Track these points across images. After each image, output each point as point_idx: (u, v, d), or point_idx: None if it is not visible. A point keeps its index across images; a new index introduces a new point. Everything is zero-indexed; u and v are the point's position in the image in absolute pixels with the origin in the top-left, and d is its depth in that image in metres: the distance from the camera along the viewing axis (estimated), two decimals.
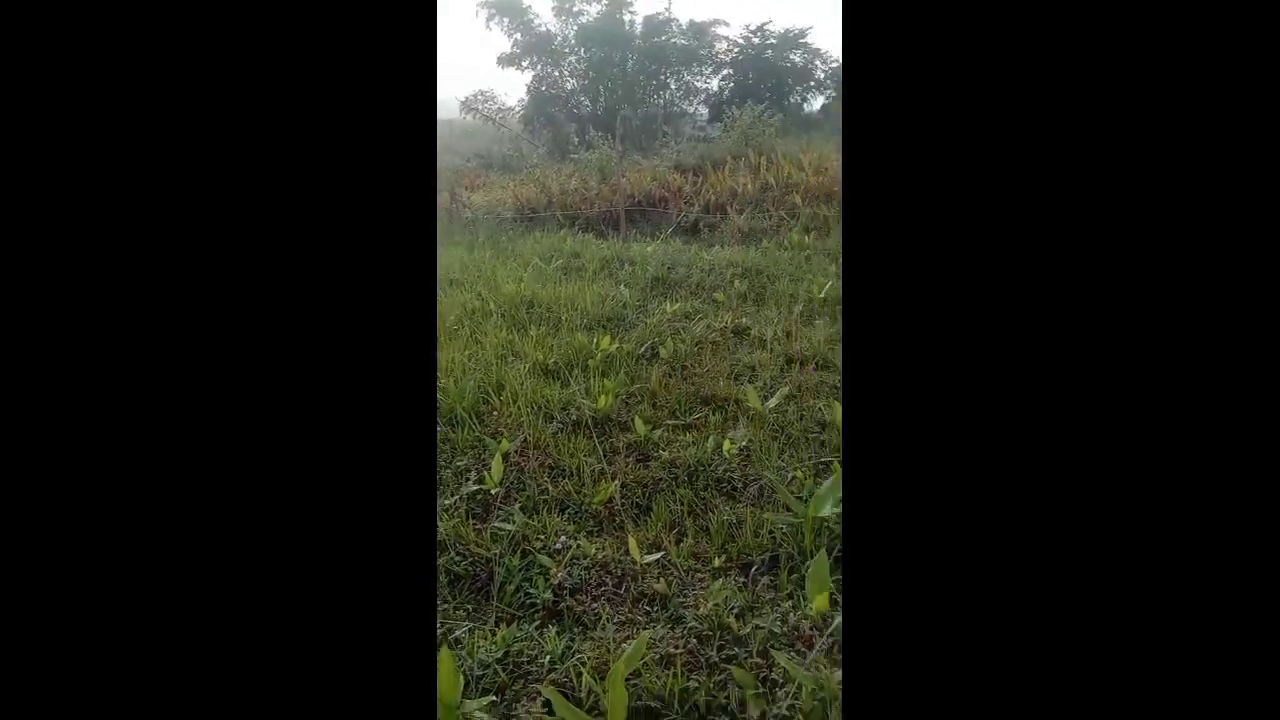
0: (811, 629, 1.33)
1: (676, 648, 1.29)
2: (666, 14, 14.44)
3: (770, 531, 1.67)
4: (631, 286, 4.15)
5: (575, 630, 1.38)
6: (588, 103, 14.32)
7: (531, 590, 1.49)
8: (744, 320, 3.39)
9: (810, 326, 3.26)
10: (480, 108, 14.21)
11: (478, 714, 1.16)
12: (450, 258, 5.16)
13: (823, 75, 15.24)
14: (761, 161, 7.70)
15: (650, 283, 4.24)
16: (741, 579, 1.52)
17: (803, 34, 14.77)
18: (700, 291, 4.06)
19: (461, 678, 1.17)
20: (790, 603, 1.41)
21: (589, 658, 1.28)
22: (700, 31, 14.52)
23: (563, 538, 1.67)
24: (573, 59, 14.26)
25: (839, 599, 1.42)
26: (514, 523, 1.71)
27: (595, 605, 1.45)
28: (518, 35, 14.06)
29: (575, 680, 1.24)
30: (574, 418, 2.32)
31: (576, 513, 1.81)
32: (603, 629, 1.37)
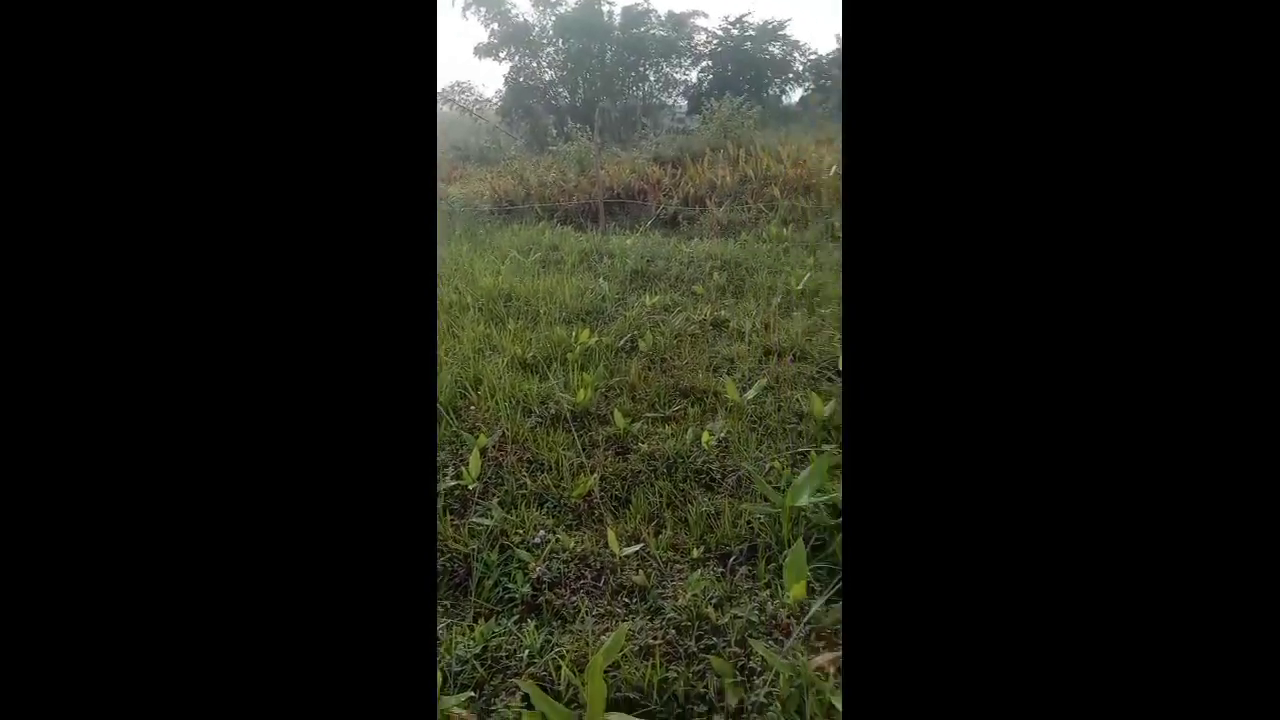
0: (789, 617, 1.34)
1: (655, 639, 1.30)
2: (645, 5, 14.36)
3: (748, 522, 1.68)
4: (610, 279, 4.13)
5: (554, 624, 1.38)
6: (566, 94, 14.20)
7: (510, 585, 1.48)
8: (723, 313, 3.40)
9: (788, 318, 3.28)
10: (457, 99, 14.06)
11: (456, 710, 1.15)
12: None
13: (801, 68, 15.32)
14: (740, 154, 7.70)
15: (629, 275, 4.23)
16: (720, 569, 1.53)
17: (781, 26, 14.82)
18: (679, 284, 4.06)
19: (440, 674, 1.16)
20: (768, 592, 1.43)
21: (568, 651, 1.28)
22: (679, 23, 14.47)
23: (541, 532, 1.67)
24: (551, 50, 14.13)
25: (816, 587, 1.43)
26: (492, 518, 1.70)
27: (574, 598, 1.45)
28: (495, 25, 13.89)
29: (554, 673, 1.24)
30: (553, 412, 2.31)
31: (555, 507, 1.81)
32: (581, 622, 1.37)
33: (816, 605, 1.33)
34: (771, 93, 15.06)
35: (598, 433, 2.18)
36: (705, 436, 2.07)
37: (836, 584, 1.43)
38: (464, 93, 14.25)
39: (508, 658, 1.29)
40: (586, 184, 7.55)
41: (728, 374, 2.63)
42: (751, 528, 1.67)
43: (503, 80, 14.54)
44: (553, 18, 13.91)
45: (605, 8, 14.00)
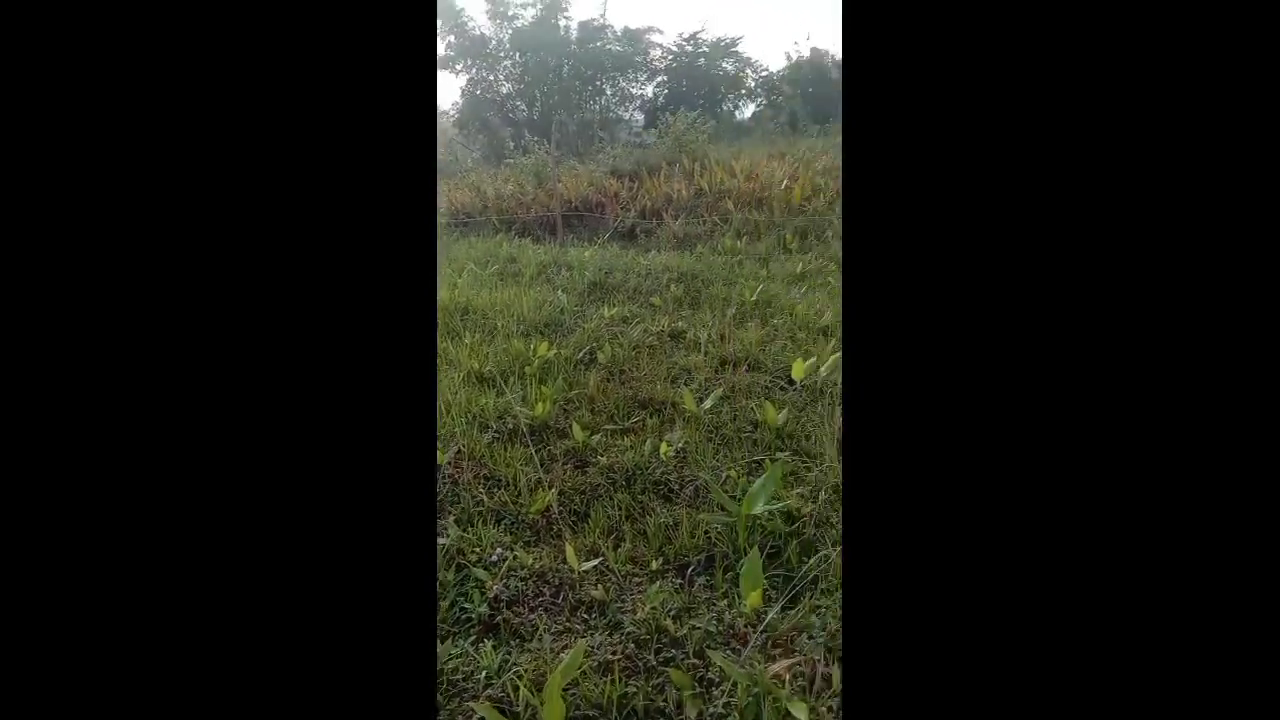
0: (746, 626, 1.36)
1: (614, 654, 1.29)
2: (602, 20, 14.52)
3: (706, 531, 1.69)
4: (569, 291, 4.13)
5: (512, 643, 1.36)
6: (523, 107, 14.18)
7: (467, 605, 1.46)
8: (680, 324, 3.43)
9: (742, 329, 3.33)
10: None
11: None
12: None
13: (753, 84, 15.69)
14: (695, 168, 7.82)
15: (588, 288, 4.23)
16: (678, 580, 1.54)
17: (734, 43, 15.18)
18: (637, 296, 4.09)
19: None
20: (725, 601, 1.44)
21: (526, 670, 1.26)
22: (635, 38, 14.65)
23: (499, 549, 1.64)
24: (508, 63, 14.10)
25: (772, 594, 1.45)
26: (448, 536, 1.67)
27: (533, 616, 1.43)
28: (451, 38, 13.79)
29: (512, 694, 1.22)
30: (510, 426, 2.29)
31: (513, 523, 1.78)
32: (539, 640, 1.35)
33: (772, 613, 1.35)
34: (725, 108, 15.37)
35: (556, 446, 2.17)
36: (664, 448, 2.08)
37: (791, 591, 1.45)
38: None
39: (464, 679, 1.26)
40: (544, 196, 7.53)
41: (685, 385, 2.65)
42: (709, 537, 1.68)
43: (459, 93, 14.44)
44: (510, 31, 13.90)
45: (562, 22, 14.08)
